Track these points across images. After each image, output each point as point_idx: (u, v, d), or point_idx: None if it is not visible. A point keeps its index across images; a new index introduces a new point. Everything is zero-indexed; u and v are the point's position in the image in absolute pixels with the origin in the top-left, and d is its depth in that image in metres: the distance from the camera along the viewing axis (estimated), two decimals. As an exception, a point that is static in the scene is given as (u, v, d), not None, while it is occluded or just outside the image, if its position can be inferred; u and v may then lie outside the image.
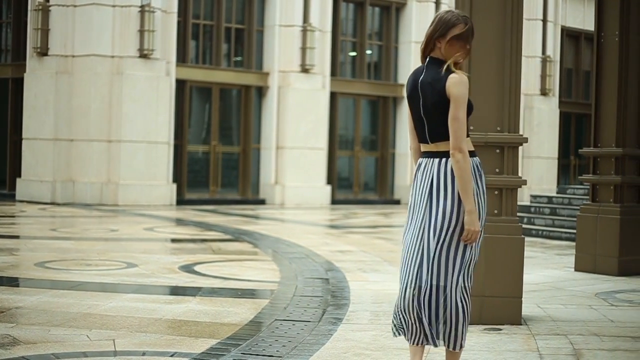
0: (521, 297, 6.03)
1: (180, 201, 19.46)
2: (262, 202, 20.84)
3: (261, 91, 21.13)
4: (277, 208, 19.81)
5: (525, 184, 6.10)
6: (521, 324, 5.95)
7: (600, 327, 5.91)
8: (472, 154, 4.13)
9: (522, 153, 24.80)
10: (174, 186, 19.25)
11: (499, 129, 6.02)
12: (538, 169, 24.85)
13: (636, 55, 9.06)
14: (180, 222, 15.33)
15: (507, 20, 6.01)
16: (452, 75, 4.01)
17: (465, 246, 4.06)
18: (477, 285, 5.97)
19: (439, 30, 4.08)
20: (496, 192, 6.02)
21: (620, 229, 8.89)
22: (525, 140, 6.06)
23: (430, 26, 4.11)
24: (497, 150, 6.03)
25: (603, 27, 9.11)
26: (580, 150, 9.89)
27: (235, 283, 7.82)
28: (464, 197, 4.00)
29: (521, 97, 23.65)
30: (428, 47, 4.12)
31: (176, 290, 7.41)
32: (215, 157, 20.51)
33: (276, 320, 6.07)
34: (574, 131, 26.75)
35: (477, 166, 4.15)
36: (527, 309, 6.54)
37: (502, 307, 5.96)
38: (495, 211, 6.02)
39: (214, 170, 20.53)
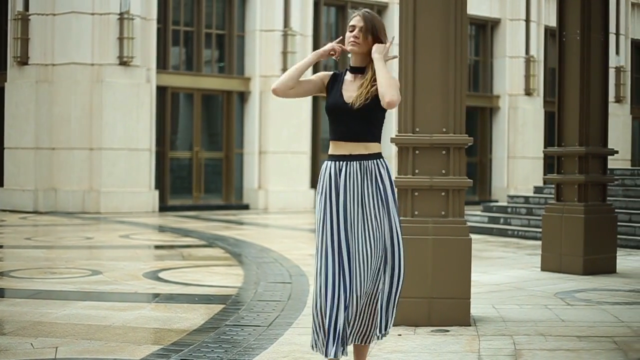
0: (469, 298, 6.02)
1: (163, 208, 19.44)
2: (245, 207, 20.82)
3: (243, 96, 21.13)
4: (260, 213, 19.80)
5: (471, 185, 6.09)
6: (470, 325, 5.94)
7: (548, 327, 5.91)
8: (331, 157, 4.17)
9: (507, 153, 24.84)
10: (156, 193, 19.23)
11: (444, 130, 6.01)
12: (524, 169, 24.86)
13: (597, 53, 9.08)
14: (158, 228, 15.31)
15: (451, 20, 6.01)
16: None
17: None
18: (424, 287, 5.98)
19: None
20: (443, 194, 6.02)
21: (585, 228, 8.89)
22: (470, 140, 6.04)
23: None
24: (443, 152, 6.02)
25: (564, 25, 9.13)
26: (544, 149, 9.90)
27: (195, 289, 7.81)
28: None
29: (506, 97, 23.48)
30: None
31: (133, 297, 7.39)
32: (198, 163, 20.49)
33: (226, 325, 6.06)
34: (559, 131, 26.71)
35: (330, 169, 4.13)
36: (481, 310, 6.54)
37: (450, 308, 5.95)
38: (442, 212, 6.02)
39: (196, 176, 20.51)
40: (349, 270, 4.07)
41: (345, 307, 4.06)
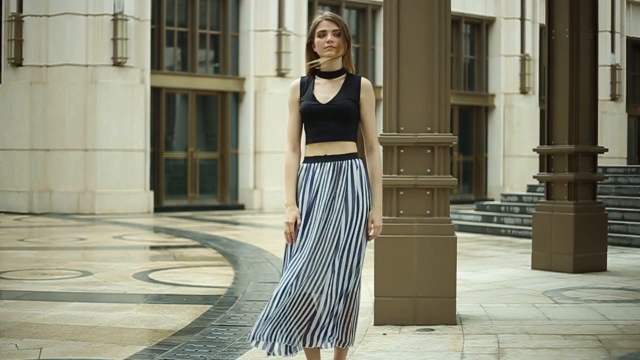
0: (455, 297, 6.02)
1: (158, 208, 19.44)
2: (241, 207, 20.83)
3: (238, 96, 21.13)
4: (255, 213, 19.80)
5: (456, 184, 6.08)
6: (456, 324, 5.94)
7: (534, 326, 5.90)
8: (306, 159, 4.16)
9: (503, 152, 24.85)
10: (151, 194, 19.23)
11: (429, 129, 6.01)
12: (519, 167, 24.87)
13: (587, 51, 9.07)
14: (152, 229, 15.30)
15: (435, 19, 6.01)
16: None
17: None
18: (410, 286, 5.98)
19: (309, 36, 4.17)
20: (428, 193, 6.01)
21: (575, 226, 8.89)
22: (455, 139, 6.04)
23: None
24: (428, 151, 6.02)
25: (553, 23, 9.12)
26: (534, 148, 9.90)
27: (184, 289, 7.81)
28: None
29: (501, 96, 23.49)
30: (309, 60, 4.19)
31: (121, 298, 7.39)
32: (193, 164, 20.50)
33: (212, 325, 6.07)
34: (555, 129, 26.71)
35: (304, 172, 4.13)
36: (468, 309, 6.54)
37: (436, 307, 5.95)
38: (428, 211, 6.01)
39: (192, 176, 20.52)
40: (307, 271, 4.01)
41: (296, 308, 4.01)
